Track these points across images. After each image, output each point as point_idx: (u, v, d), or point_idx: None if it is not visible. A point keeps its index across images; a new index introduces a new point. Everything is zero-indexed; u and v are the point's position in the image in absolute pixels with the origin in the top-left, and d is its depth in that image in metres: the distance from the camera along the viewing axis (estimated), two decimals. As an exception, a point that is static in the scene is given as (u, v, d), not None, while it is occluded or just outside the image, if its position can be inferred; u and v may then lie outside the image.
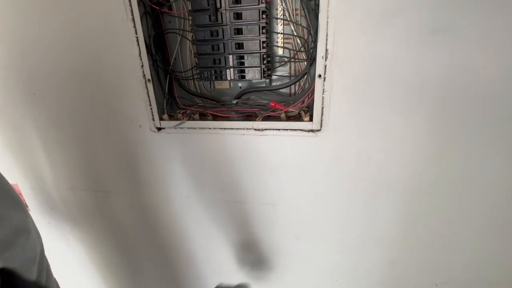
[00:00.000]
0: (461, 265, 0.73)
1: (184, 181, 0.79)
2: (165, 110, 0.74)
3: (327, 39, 0.56)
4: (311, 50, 0.62)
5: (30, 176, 0.93)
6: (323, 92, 0.61)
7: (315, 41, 0.60)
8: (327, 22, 0.55)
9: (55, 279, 0.50)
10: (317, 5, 0.57)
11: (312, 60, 0.63)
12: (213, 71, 0.67)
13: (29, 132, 0.84)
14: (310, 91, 0.65)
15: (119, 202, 0.89)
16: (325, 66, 0.59)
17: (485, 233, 0.67)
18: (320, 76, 0.60)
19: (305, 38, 0.64)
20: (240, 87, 0.75)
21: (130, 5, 0.62)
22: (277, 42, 0.68)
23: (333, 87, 0.60)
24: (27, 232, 0.39)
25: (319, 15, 0.55)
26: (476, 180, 0.62)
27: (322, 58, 0.58)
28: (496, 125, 0.56)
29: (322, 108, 0.62)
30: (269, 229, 0.80)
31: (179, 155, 0.76)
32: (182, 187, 0.80)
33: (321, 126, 0.64)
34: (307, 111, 0.68)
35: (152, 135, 0.75)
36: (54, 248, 1.06)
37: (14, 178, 0.95)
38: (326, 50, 0.57)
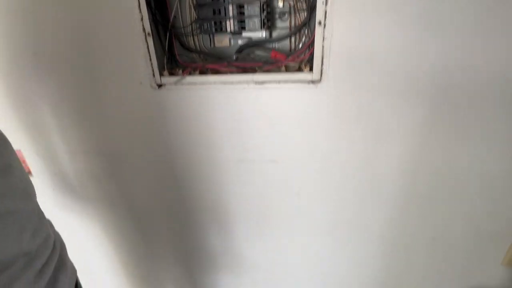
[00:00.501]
0: (459, 218, 0.74)
1: (185, 139, 0.80)
2: (165, 67, 0.74)
3: (327, -17, 0.56)
4: (311, -2, 0.62)
5: (33, 140, 0.93)
6: (323, 39, 0.61)
7: (315, -12, 0.59)
8: (328, -37, 0.55)
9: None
10: None
11: (312, 9, 0.62)
12: (213, 23, 0.66)
13: (30, 93, 0.84)
14: (310, 42, 0.64)
15: (123, 164, 0.90)
16: (326, 12, 0.58)
17: (484, 185, 0.69)
18: (320, 23, 0.59)
19: (305, -14, 0.64)
20: (240, 44, 0.74)
21: (129, -47, 0.61)
22: (277, -5, 0.68)
23: (334, 34, 0.60)
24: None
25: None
26: (476, 134, 0.62)
27: (323, 3, 0.58)
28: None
29: (322, 57, 0.62)
30: (270, 186, 0.81)
31: (180, 112, 0.77)
32: (183, 145, 0.81)
33: (321, 77, 0.65)
34: (307, 64, 0.69)
35: (153, 92, 0.75)
36: (57, 215, 1.08)
37: (17, 144, 0.96)
38: (327, -6, 0.57)
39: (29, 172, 1.02)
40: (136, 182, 0.93)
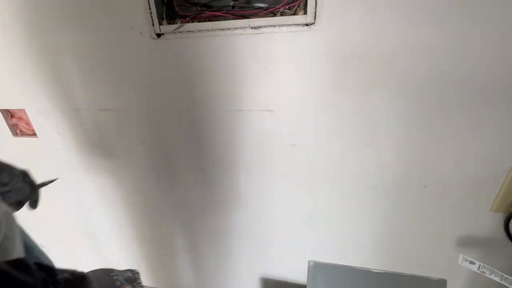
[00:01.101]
0: (449, 165, 0.77)
1: (184, 88, 0.82)
2: (164, 16, 0.76)
3: None
4: None
5: (35, 99, 0.96)
6: (317, -20, 0.63)
7: None
8: None
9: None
10: None
11: (306, -50, 0.64)
12: (209, -32, 0.69)
13: (30, 48, 0.87)
14: (304, -15, 0.66)
15: (124, 118, 0.92)
16: (319, -50, 0.60)
17: (472, 132, 0.71)
18: (313, -38, 0.61)
19: None
20: (238, -4, 0.76)
21: None
22: None
23: (327, -26, 0.62)
24: None
25: None
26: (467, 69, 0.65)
27: None
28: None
29: (316, 0, 0.64)
30: (266, 137, 0.84)
31: (179, 61, 0.79)
32: (183, 94, 0.84)
33: (315, 19, 0.67)
34: (302, 8, 0.71)
35: (152, 42, 0.78)
36: (63, 176, 1.11)
37: (22, 104, 0.99)
38: None
39: (34, 133, 1.05)
40: (139, 134, 0.95)
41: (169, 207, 1.08)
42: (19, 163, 1.14)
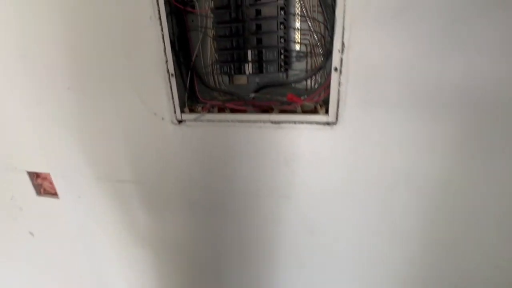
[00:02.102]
0: (484, 269, 0.70)
1: (202, 172, 0.82)
2: (186, 104, 0.78)
3: (343, 32, 0.58)
4: (328, 44, 0.64)
5: (60, 164, 1.00)
6: (339, 85, 0.62)
7: (331, 35, 0.62)
8: (344, 15, 0.57)
9: None
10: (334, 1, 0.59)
11: (328, 54, 0.64)
12: (232, 65, 0.70)
13: (58, 122, 0.91)
14: (325, 85, 0.66)
15: (144, 193, 0.93)
16: (341, 59, 0.60)
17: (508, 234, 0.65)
18: (336, 69, 0.61)
19: (322, 32, 0.66)
20: (258, 83, 0.77)
21: (158, 5, 0.67)
22: (294, 38, 0.70)
23: (349, 80, 0.61)
24: None
25: (336, 9, 0.57)
26: (495, 179, 0.60)
27: (339, 51, 0.60)
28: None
29: (338, 101, 0.64)
30: (283, 222, 0.81)
31: (198, 147, 0.80)
32: (200, 178, 0.84)
33: (336, 119, 0.65)
34: (323, 105, 0.70)
35: (174, 128, 0.79)
36: (81, 237, 1.13)
37: (48, 168, 1.03)
38: (343, 43, 0.59)
39: (56, 194, 1.08)
40: (152, 209, 0.96)
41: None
42: (41, 221, 1.17)
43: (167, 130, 0.80)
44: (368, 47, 0.58)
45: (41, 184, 1.13)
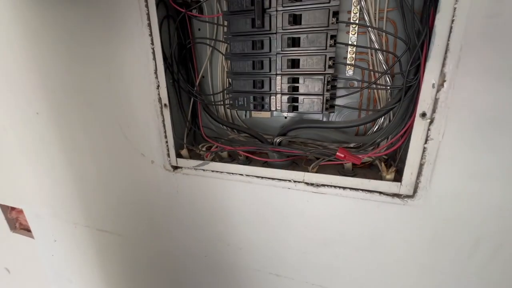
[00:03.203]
0: None
1: (203, 235, 0.60)
2: (184, 144, 0.56)
3: (446, 56, 0.34)
4: (407, 72, 0.39)
5: (35, 202, 0.81)
6: (427, 140, 0.38)
7: (415, 59, 0.37)
8: (451, 26, 0.32)
9: None
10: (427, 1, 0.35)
11: (407, 88, 0.40)
12: (251, 98, 0.47)
13: (36, 157, 0.72)
14: (399, 135, 0.41)
15: (127, 247, 0.72)
16: (436, 99, 0.36)
17: None
18: (424, 115, 0.37)
19: (393, 51, 0.42)
20: (286, 117, 0.54)
21: (147, 6, 0.46)
22: (344, 58, 0.47)
23: (446, 135, 0.37)
24: None
25: (437, 14, 0.33)
26: None
27: (433, 86, 0.35)
28: None
29: (421, 164, 0.39)
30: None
31: (197, 204, 0.57)
32: (200, 243, 0.61)
33: (415, 191, 0.41)
34: (388, 163, 0.45)
35: (166, 175, 0.57)
36: (58, 281, 0.93)
37: (21, 202, 0.84)
38: (443, 73, 0.34)
39: (31, 232, 0.89)
40: (134, 265, 0.74)
41: None
42: (16, 259, 0.99)
43: (157, 177, 0.58)
44: (491, 85, 0.33)
45: (16, 219, 0.94)
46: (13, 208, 0.93)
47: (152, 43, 0.48)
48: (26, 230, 0.93)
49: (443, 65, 0.34)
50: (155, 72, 0.50)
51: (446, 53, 0.33)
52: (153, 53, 0.48)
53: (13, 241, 0.95)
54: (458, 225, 0.40)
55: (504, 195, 0.37)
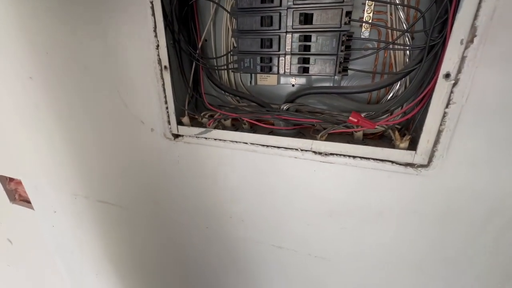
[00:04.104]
0: None
1: (204, 207, 0.58)
2: (186, 111, 0.53)
3: (480, 6, 0.30)
4: (431, 29, 0.36)
5: (34, 173, 0.79)
6: (448, 104, 0.35)
7: (442, 13, 0.34)
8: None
9: None
10: None
11: (430, 48, 0.36)
12: (258, 59, 0.44)
13: (31, 125, 0.69)
14: (417, 100, 0.39)
15: (127, 217, 0.71)
16: (464, 58, 0.32)
17: None
18: (448, 75, 0.34)
19: (419, 8, 0.38)
20: (293, 85, 0.51)
21: (144, -49, 0.41)
22: (360, 18, 0.43)
23: (470, 98, 0.34)
24: None
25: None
26: None
27: (461, 43, 0.32)
28: None
29: (440, 131, 0.36)
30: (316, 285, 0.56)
31: (200, 173, 0.55)
32: (202, 214, 0.60)
33: (430, 161, 0.38)
34: (402, 131, 0.43)
35: (167, 143, 0.55)
36: (59, 251, 0.94)
37: (19, 173, 0.83)
38: (474, 27, 0.31)
39: (30, 204, 0.88)
40: (135, 236, 0.74)
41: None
42: (18, 230, 0.99)
43: (159, 145, 0.56)
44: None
45: (16, 190, 0.93)
46: (11, 179, 0.92)
47: (151, -4, 0.44)
48: (25, 201, 0.92)
49: (475, 17, 0.30)
50: (154, 30, 0.46)
51: (480, 2, 0.30)
52: (152, 8, 0.44)
53: (13, 212, 0.95)
54: (472, 196, 0.38)
55: (527, 164, 0.35)
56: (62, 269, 0.98)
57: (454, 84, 0.34)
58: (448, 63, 0.33)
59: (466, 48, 0.32)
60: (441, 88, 0.34)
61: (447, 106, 0.35)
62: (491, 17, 0.30)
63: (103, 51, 0.51)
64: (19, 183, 0.90)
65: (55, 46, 0.56)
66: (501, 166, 0.36)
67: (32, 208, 0.88)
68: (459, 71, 0.33)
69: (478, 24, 0.31)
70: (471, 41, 0.31)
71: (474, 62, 0.32)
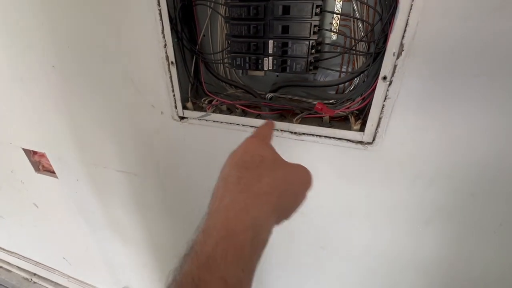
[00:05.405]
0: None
1: (206, 177, 0.73)
2: (189, 98, 0.65)
3: (406, 29, 0.41)
4: (377, 41, 0.47)
5: (56, 146, 0.92)
6: (385, 98, 0.48)
7: (386, 30, 0.45)
8: (412, 3, 0.40)
9: None
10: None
11: (376, 54, 0.48)
12: (247, 59, 0.55)
13: (54, 107, 0.81)
14: (366, 94, 0.51)
15: (140, 184, 0.86)
16: (395, 66, 0.44)
17: None
18: (385, 78, 0.46)
19: (371, 23, 0.49)
20: (277, 75, 0.62)
21: (152, -32, 0.50)
22: (330, 24, 0.53)
23: (400, 95, 0.46)
24: None
25: (401, -8, 0.40)
26: None
27: (393, 55, 0.44)
28: None
29: (380, 118, 0.50)
30: (296, 238, 0.74)
31: (203, 148, 0.69)
32: (204, 183, 0.75)
33: (373, 139, 0.52)
34: (358, 116, 0.56)
35: (174, 124, 0.67)
36: (82, 214, 1.10)
37: (43, 147, 0.96)
38: (402, 44, 0.43)
39: (54, 172, 1.02)
40: (149, 200, 0.89)
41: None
42: (43, 196, 1.15)
43: (168, 125, 0.69)
44: (440, 51, 0.42)
45: (39, 162, 1.07)
46: (35, 152, 1.04)
47: (159, 5, 0.53)
48: (49, 171, 1.06)
49: (403, 37, 0.42)
50: (162, 32, 0.56)
51: (406, 27, 0.41)
52: (160, 14, 0.54)
53: (39, 181, 1.09)
54: (402, 165, 0.53)
55: (437, 143, 0.48)
56: (84, 226, 1.15)
57: (389, 84, 0.46)
58: (385, 69, 0.45)
59: (397, 58, 0.44)
60: (380, 86, 0.47)
61: (384, 100, 0.48)
62: (412, 38, 0.42)
63: (119, 48, 0.62)
64: (42, 155, 1.04)
65: (75, 41, 0.65)
66: (421, 144, 0.49)
67: (56, 177, 1.02)
68: (392, 75, 0.45)
69: (404, 42, 0.42)
70: (400, 54, 0.43)
71: (402, 69, 0.44)
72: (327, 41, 0.54)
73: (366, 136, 0.52)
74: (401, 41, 0.42)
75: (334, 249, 0.72)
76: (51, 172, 1.05)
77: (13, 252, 1.71)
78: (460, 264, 0.60)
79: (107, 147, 0.82)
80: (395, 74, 0.45)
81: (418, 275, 0.65)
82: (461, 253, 0.58)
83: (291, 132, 0.58)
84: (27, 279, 1.71)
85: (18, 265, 1.74)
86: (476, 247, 0.56)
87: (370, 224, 0.62)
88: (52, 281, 1.65)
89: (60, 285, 1.63)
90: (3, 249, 1.74)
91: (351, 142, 0.54)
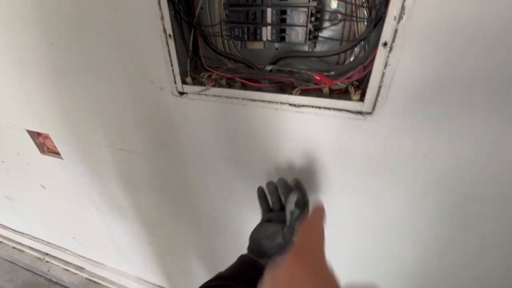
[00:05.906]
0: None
1: (206, 150, 0.74)
2: (188, 72, 0.64)
3: (407, -9, 0.40)
4: (379, 6, 0.46)
5: (59, 128, 0.93)
6: (385, 66, 0.47)
7: (387, -7, 0.44)
8: (413, -36, 0.38)
9: None
10: None
11: (377, 21, 0.47)
12: (245, 29, 0.54)
13: (55, 86, 0.81)
14: (367, 63, 0.50)
15: (143, 163, 0.88)
16: (396, 30, 0.43)
17: None
18: (385, 44, 0.45)
19: (372, -13, 0.47)
20: (277, 49, 0.62)
21: None
22: (331, -9, 0.52)
23: (401, 62, 0.46)
24: None
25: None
26: None
27: (394, 19, 0.43)
28: None
29: (380, 86, 0.49)
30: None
31: (203, 123, 0.69)
32: (203, 157, 0.76)
33: (373, 109, 0.52)
34: (358, 87, 0.55)
35: (175, 100, 0.67)
36: (87, 194, 1.13)
37: (45, 128, 0.97)
38: (403, 7, 0.41)
39: (59, 154, 1.04)
40: (152, 176, 0.91)
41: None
42: (49, 177, 1.17)
43: (167, 101, 0.69)
44: (446, 16, 0.40)
45: (44, 143, 1.08)
46: (39, 134, 1.06)
47: (154, -27, 0.52)
48: (54, 153, 1.08)
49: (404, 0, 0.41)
50: (159, 3, 0.55)
51: (407, -12, 0.40)
52: (156, -17, 0.53)
53: (44, 162, 1.11)
54: (403, 135, 0.53)
55: (437, 112, 0.48)
56: (91, 206, 1.19)
57: (390, 51, 0.45)
58: (386, 34, 0.44)
59: (398, 23, 0.43)
60: (381, 53, 0.46)
61: (384, 67, 0.47)
62: (415, 0, 0.40)
63: (115, 21, 0.61)
64: (46, 137, 1.05)
65: (73, 16, 0.64)
66: (423, 113, 0.49)
67: (61, 158, 1.04)
68: (393, 40, 0.44)
69: (406, 5, 0.41)
70: (401, 17, 0.42)
71: (404, 33, 0.43)
72: (327, 9, 0.53)
73: (366, 106, 0.52)
74: (403, 4, 0.41)
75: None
76: (56, 153, 1.07)
77: (24, 233, 1.78)
78: (458, 237, 0.61)
79: (109, 126, 0.83)
80: (395, 40, 0.44)
81: (416, 245, 0.67)
82: (458, 223, 0.59)
83: (290, 105, 0.57)
84: (40, 258, 1.79)
85: (30, 245, 1.81)
86: (475, 217, 0.57)
87: (372, 201, 0.63)
88: (63, 260, 1.73)
89: (71, 263, 1.70)
90: (15, 230, 1.80)
91: (351, 113, 0.54)
